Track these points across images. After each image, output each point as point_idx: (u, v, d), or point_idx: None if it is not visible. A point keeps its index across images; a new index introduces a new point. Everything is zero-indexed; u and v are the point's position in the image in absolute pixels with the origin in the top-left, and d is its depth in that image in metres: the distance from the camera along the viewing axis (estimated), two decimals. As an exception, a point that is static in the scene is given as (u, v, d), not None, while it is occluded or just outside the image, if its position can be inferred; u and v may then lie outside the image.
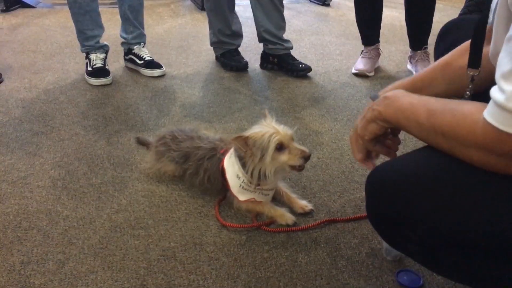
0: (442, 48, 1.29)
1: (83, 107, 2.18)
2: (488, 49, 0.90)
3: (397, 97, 0.90)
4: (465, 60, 0.96)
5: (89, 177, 1.61)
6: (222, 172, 1.37)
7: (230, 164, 1.36)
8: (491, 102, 0.69)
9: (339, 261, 1.24)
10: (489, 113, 0.69)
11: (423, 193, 0.81)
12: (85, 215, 1.42)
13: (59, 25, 3.59)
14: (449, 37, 1.30)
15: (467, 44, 1.03)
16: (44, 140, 1.87)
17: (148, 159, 1.65)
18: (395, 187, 0.86)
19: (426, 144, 0.86)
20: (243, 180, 1.33)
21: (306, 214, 1.41)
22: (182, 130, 1.57)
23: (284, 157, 1.27)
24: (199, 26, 3.69)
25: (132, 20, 2.57)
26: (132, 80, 2.54)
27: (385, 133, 1.02)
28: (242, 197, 1.36)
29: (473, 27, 0.93)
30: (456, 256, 0.80)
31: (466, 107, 0.75)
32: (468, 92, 0.93)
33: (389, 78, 2.62)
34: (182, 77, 2.61)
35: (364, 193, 1.49)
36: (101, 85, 2.42)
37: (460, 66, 1.02)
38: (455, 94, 1.05)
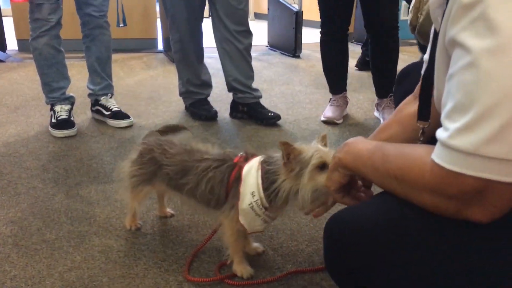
0: (401, 92, 1.31)
1: (44, 160, 2.10)
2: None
3: (356, 143, 0.89)
4: (414, 107, 0.97)
5: (43, 233, 1.52)
6: (232, 183, 1.20)
7: (251, 176, 1.16)
8: (437, 143, 0.68)
9: (307, 316, 1.17)
10: (435, 154, 0.67)
11: (379, 245, 0.78)
12: (35, 274, 1.31)
13: (27, 78, 3.56)
14: (407, 81, 1.32)
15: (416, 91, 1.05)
16: (-1, 194, 1.77)
17: (126, 185, 1.42)
18: (351, 237, 0.82)
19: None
20: (257, 200, 1.16)
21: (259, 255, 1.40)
22: (171, 142, 1.37)
23: (322, 178, 1.07)
24: (170, 78, 3.71)
25: (100, 72, 2.56)
26: (98, 131, 2.48)
27: (356, 185, 1.00)
28: (243, 220, 1.19)
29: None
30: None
31: (418, 151, 0.74)
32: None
33: (358, 126, 2.65)
34: (151, 127, 2.58)
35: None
36: (65, 137, 2.36)
37: (410, 114, 1.03)
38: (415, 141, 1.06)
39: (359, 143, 0.88)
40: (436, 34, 0.87)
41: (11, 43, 4.74)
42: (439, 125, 0.95)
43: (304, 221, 1.60)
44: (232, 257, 1.29)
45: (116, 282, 1.28)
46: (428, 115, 0.90)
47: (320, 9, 2.62)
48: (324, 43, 2.69)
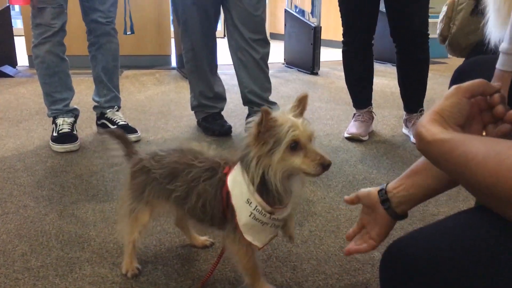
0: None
1: (40, 176, 1.90)
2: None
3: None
4: None
5: (28, 259, 1.30)
6: (226, 197, 1.02)
7: (237, 184, 1.00)
8: None
9: None
10: None
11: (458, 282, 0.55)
12: (11, 310, 1.09)
13: (34, 93, 3.42)
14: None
15: None
16: (-16, 213, 1.57)
17: (123, 212, 1.20)
18: (417, 272, 0.59)
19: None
20: (256, 206, 0.98)
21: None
22: (165, 149, 1.17)
23: (297, 160, 0.94)
24: (182, 93, 3.54)
25: (106, 82, 2.38)
26: (102, 146, 2.29)
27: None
28: (250, 237, 1.00)
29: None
30: None
31: None
32: None
33: (385, 142, 2.41)
34: (159, 142, 2.38)
35: (368, 275, 1.20)
36: (66, 152, 2.17)
37: None
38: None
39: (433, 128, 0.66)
40: None
41: (23, 60, 4.66)
42: None
43: (333, 249, 1.36)
44: (253, 286, 1.06)
45: (106, 323, 1.05)
46: None
47: (342, 17, 2.42)
48: (347, 53, 2.49)
